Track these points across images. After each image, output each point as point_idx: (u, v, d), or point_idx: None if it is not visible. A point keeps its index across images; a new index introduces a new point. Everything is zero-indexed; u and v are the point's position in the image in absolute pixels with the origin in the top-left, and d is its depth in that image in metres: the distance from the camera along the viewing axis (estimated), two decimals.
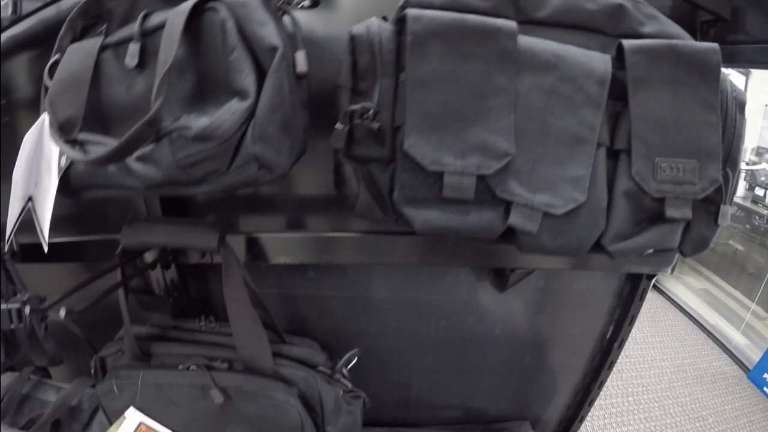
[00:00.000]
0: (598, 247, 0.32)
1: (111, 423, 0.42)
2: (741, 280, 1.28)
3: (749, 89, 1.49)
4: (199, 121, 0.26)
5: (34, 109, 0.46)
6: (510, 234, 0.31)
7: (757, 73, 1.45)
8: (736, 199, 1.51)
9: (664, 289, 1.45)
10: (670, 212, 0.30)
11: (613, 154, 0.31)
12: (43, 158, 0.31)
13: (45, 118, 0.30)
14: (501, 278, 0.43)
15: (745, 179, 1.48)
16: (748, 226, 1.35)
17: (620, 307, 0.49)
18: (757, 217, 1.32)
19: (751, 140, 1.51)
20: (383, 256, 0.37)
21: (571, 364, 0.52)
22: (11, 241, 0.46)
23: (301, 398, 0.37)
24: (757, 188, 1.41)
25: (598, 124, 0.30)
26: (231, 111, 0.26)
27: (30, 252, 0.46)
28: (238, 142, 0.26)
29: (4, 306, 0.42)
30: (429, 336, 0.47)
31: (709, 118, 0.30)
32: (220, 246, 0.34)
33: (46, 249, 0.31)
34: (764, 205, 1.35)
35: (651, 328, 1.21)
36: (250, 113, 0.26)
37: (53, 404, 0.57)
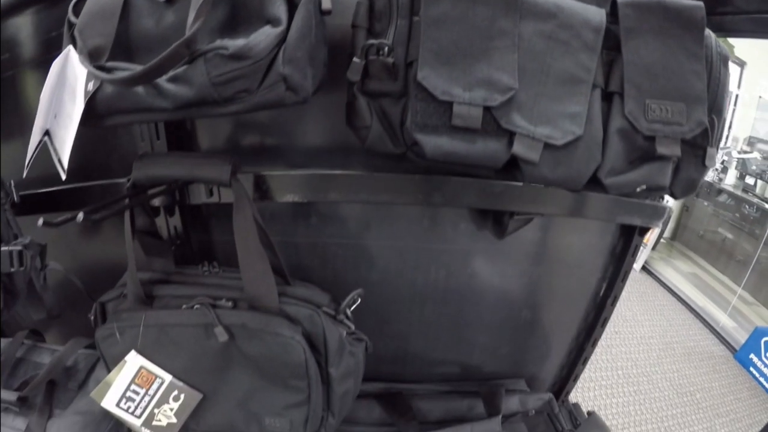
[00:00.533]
0: (595, 183, 0.34)
1: (110, 370, 0.43)
2: (729, 266, 1.34)
3: (744, 81, 1.55)
4: (235, 42, 0.28)
5: (35, 65, 0.47)
6: (513, 167, 0.33)
7: (752, 65, 1.51)
8: (726, 188, 1.57)
9: (653, 271, 1.51)
10: (661, 149, 0.33)
11: (607, 97, 0.34)
12: (66, 87, 0.32)
13: (69, 49, 0.31)
14: (500, 226, 0.45)
15: (736, 168, 1.54)
16: (737, 215, 1.41)
17: (613, 264, 0.52)
18: (747, 206, 1.38)
19: (743, 130, 1.57)
20: (388, 195, 0.39)
21: (566, 321, 0.55)
22: (12, 192, 0.47)
23: (305, 337, 0.39)
24: (747, 177, 1.48)
25: (593, 67, 0.33)
26: (265, 34, 0.28)
27: (30, 204, 0.47)
28: (270, 63, 0.28)
29: (5, 248, 0.43)
30: (428, 286, 0.49)
31: (695, 67, 0.33)
32: (232, 179, 0.36)
33: (63, 177, 0.32)
34: (754, 194, 1.41)
35: (640, 307, 1.26)
36: (282, 38, 0.29)
37: (48, 364, 0.58)
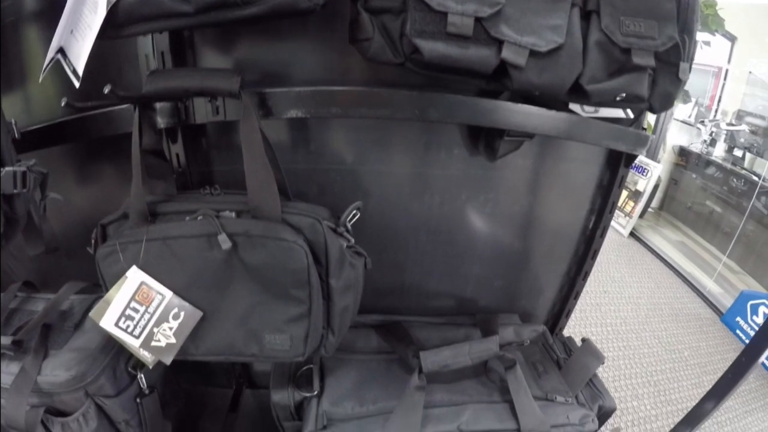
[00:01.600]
0: (577, 91, 0.39)
1: (106, 289, 0.46)
2: (716, 237, 1.43)
3: (734, 56, 1.65)
4: None
5: (37, 10, 0.48)
6: (503, 75, 0.38)
7: (742, 41, 1.61)
8: (715, 159, 1.66)
9: (642, 237, 1.59)
10: (636, 59, 0.38)
11: (586, 15, 0.38)
12: (87, 1, 0.34)
13: None
14: (491, 149, 0.50)
15: (725, 141, 1.64)
16: (725, 188, 1.50)
17: (601, 196, 0.57)
18: (735, 179, 1.47)
19: (733, 104, 1.67)
20: (386, 109, 0.43)
21: (557, 253, 0.60)
22: (12, 128, 0.48)
23: (307, 245, 0.42)
24: (735, 150, 1.57)
25: None
26: None
27: (30, 141, 0.48)
28: None
29: (8, 168, 0.44)
30: (423, 214, 0.53)
31: None
32: (241, 90, 0.39)
33: (77, 85, 0.35)
34: (742, 167, 1.51)
35: (629, 269, 1.34)
36: None
37: (42, 309, 0.60)
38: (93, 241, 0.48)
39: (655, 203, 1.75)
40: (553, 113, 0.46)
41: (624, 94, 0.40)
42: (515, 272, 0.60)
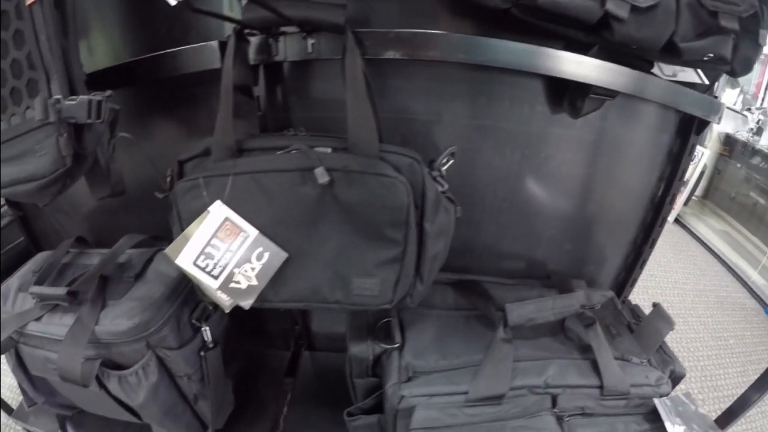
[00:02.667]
0: (669, 50, 0.42)
1: (183, 228, 0.46)
2: (760, 229, 1.46)
3: None
4: None
5: None
6: (604, 28, 0.40)
7: None
8: (761, 148, 1.68)
9: (686, 224, 1.63)
10: (723, 22, 0.41)
11: None
12: None
13: None
14: (574, 108, 0.51)
15: None
16: None
17: (671, 164, 0.59)
18: None
19: None
20: (485, 56, 0.45)
21: (626, 219, 0.61)
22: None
23: None
24: None
25: None
26: None
27: (97, 83, 0.49)
28: None
29: (83, 96, 0.45)
30: (503, 169, 0.55)
31: None
32: (346, 24, 0.40)
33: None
34: None
35: (674, 255, 1.37)
36: None
37: (99, 261, 0.60)
38: (168, 179, 0.48)
39: (698, 192, 1.78)
40: (638, 73, 0.49)
41: (711, 55, 0.44)
42: (585, 237, 0.62)
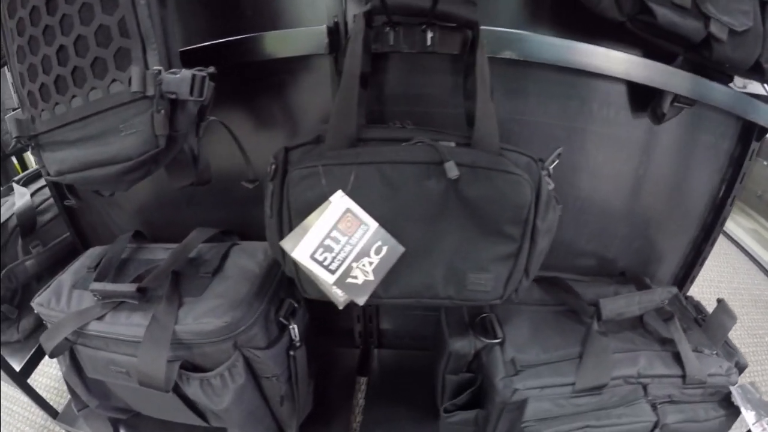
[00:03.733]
0: (755, 69, 0.49)
1: (291, 223, 0.46)
2: None
3: None
4: None
5: None
6: (703, 47, 0.47)
7: None
8: None
9: None
10: None
11: (762, 5, 0.48)
12: None
13: None
14: (655, 114, 0.58)
15: None
16: None
17: (732, 167, 0.67)
18: None
19: None
20: (594, 62, 0.50)
21: (689, 219, 0.69)
22: None
23: None
24: None
25: None
26: None
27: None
28: None
29: (187, 71, 0.44)
30: (588, 170, 0.61)
31: None
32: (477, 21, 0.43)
33: None
34: None
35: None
36: None
37: (169, 256, 0.59)
38: (272, 168, 0.49)
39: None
40: (718, 85, 0.56)
41: None
42: (652, 235, 0.69)
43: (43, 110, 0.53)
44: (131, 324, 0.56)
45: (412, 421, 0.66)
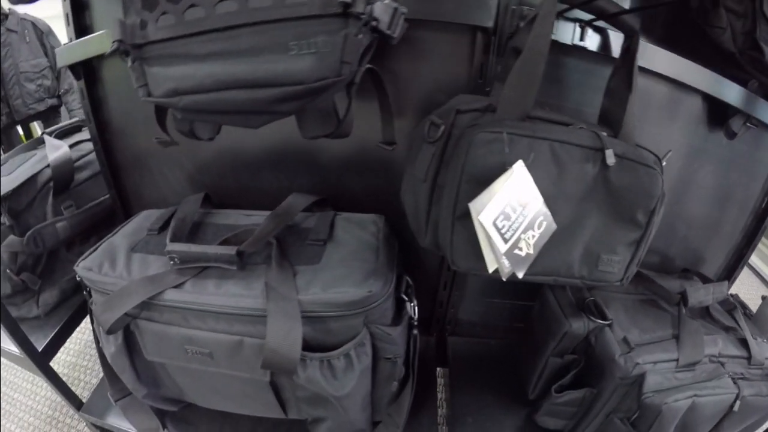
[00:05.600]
0: None
1: (460, 179, 0.51)
2: None
3: None
4: None
5: None
6: None
7: None
8: None
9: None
10: None
11: None
12: None
13: None
14: (730, 131, 0.75)
15: None
16: None
17: None
18: None
19: None
20: (686, 77, 0.64)
21: (737, 224, 0.88)
22: None
23: None
24: None
25: None
26: None
27: None
28: None
29: (390, 1, 0.44)
30: (666, 175, 0.75)
31: None
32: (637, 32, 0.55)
33: None
34: None
35: None
36: None
37: (267, 221, 0.60)
38: (441, 129, 0.53)
39: None
40: None
41: None
42: (705, 238, 0.86)
43: (164, 13, 0.48)
44: (227, 294, 0.55)
45: (501, 408, 0.74)
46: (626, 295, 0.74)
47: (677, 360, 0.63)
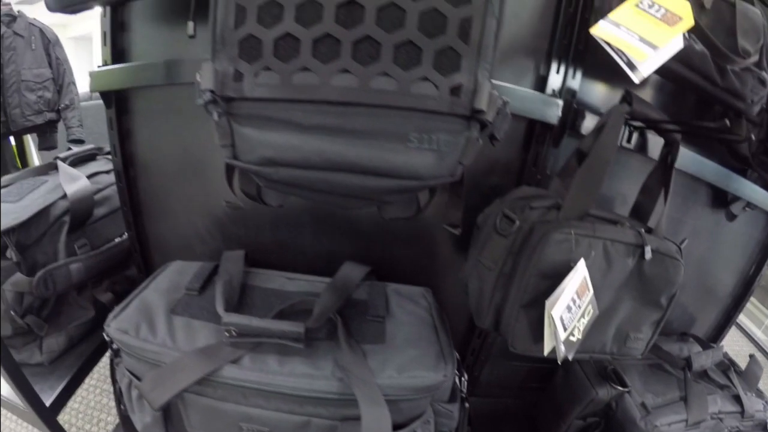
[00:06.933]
0: None
1: (525, 281, 0.63)
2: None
3: None
4: None
5: None
6: None
7: None
8: None
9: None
10: None
11: None
12: None
13: None
14: (731, 213, 0.93)
15: None
16: None
17: (761, 252, 1.07)
18: None
19: None
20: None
21: (728, 291, 1.08)
22: None
23: None
24: None
25: None
26: None
27: None
28: None
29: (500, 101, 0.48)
30: None
31: None
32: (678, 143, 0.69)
33: None
34: None
35: None
36: None
37: (327, 292, 0.65)
38: (501, 219, 0.64)
39: None
40: None
41: None
42: (701, 302, 1.05)
43: (267, 69, 0.46)
44: (294, 374, 0.57)
45: None
46: (637, 361, 0.89)
47: (686, 420, 0.79)
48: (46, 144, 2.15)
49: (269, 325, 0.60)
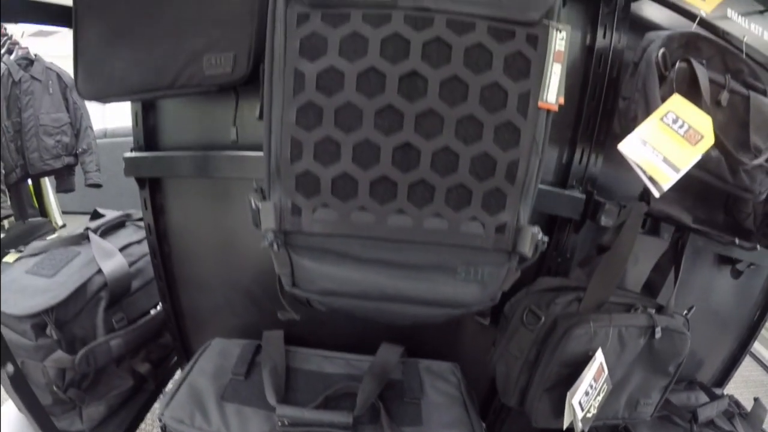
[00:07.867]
0: None
1: (547, 370, 0.75)
2: None
3: None
4: None
5: None
6: None
7: None
8: None
9: None
10: None
11: None
12: None
13: None
14: (736, 271, 1.04)
15: None
16: None
17: (765, 299, 1.19)
18: None
19: None
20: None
21: (731, 337, 1.19)
22: None
23: None
24: None
25: None
26: None
27: None
28: None
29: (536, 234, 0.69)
30: (682, 304, 1.03)
31: None
32: (689, 234, 0.80)
33: None
34: None
35: None
36: None
37: (368, 377, 0.76)
38: (527, 314, 0.75)
39: None
40: None
41: None
42: (707, 348, 1.17)
43: (325, 205, 0.51)
44: None
45: None
46: None
47: None
48: (63, 186, 2.29)
49: (320, 416, 0.70)
